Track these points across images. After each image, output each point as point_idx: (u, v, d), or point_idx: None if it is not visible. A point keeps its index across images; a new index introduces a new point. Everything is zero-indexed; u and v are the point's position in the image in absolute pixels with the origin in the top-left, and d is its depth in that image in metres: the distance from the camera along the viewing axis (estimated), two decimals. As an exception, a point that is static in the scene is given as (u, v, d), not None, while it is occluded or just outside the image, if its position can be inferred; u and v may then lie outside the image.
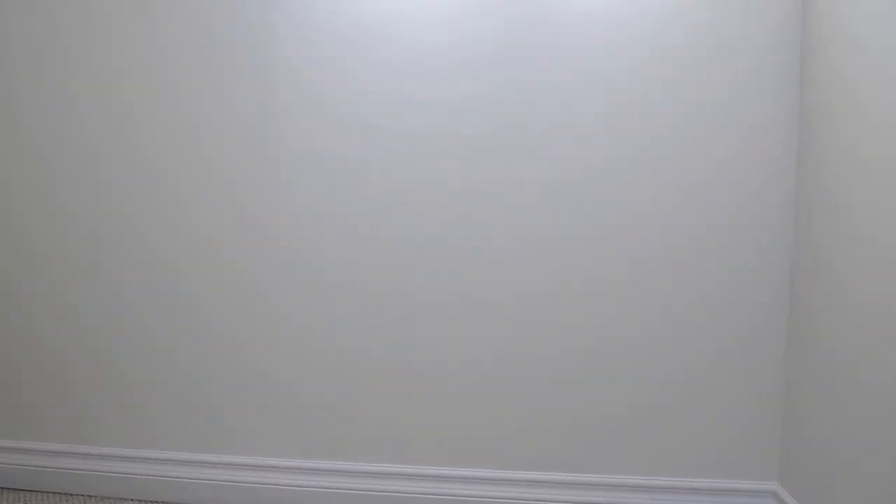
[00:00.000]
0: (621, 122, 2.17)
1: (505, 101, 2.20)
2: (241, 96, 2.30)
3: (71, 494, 2.44)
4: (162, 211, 2.36)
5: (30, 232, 2.44)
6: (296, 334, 2.33)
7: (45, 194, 2.42)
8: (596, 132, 2.18)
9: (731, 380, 2.19)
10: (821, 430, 1.91)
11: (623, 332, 2.21)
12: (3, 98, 2.43)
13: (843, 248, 1.82)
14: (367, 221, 2.27)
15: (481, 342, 2.25)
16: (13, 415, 2.50)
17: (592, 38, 2.16)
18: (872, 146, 1.68)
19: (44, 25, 2.39)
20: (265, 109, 2.30)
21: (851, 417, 1.75)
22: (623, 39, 2.15)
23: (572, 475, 2.24)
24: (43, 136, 2.41)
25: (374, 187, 2.26)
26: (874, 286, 1.65)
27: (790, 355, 2.14)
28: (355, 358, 2.31)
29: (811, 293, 2.00)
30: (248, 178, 2.32)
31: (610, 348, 2.21)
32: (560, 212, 2.20)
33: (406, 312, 2.27)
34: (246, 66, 2.30)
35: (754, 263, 2.16)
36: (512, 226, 2.22)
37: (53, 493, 2.45)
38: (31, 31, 2.40)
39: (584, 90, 2.17)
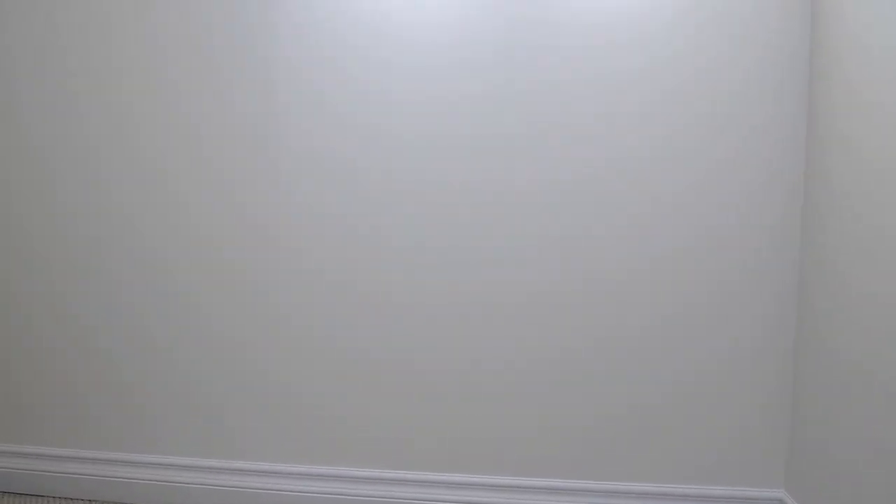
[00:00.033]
0: (625, 122, 2.16)
1: (506, 101, 2.20)
2: (241, 96, 2.30)
3: (71, 499, 2.43)
4: (162, 211, 2.36)
5: (30, 232, 2.44)
6: (296, 334, 2.32)
7: (45, 194, 2.42)
8: (598, 132, 2.17)
9: (738, 384, 2.17)
10: (829, 436, 1.87)
11: (626, 334, 2.20)
12: (3, 98, 2.43)
13: (850, 249, 1.79)
14: (366, 221, 2.27)
15: (483, 343, 2.25)
16: (13, 418, 2.49)
17: (593, 38, 2.16)
18: (879, 145, 1.66)
19: (44, 25, 2.39)
20: (265, 109, 2.29)
21: (861, 423, 1.71)
22: (626, 38, 2.15)
23: (576, 482, 2.23)
24: (43, 136, 2.41)
25: (374, 187, 2.26)
26: (883, 287, 1.62)
27: (797, 358, 2.11)
28: (355, 358, 2.30)
29: (818, 294, 1.98)
30: (248, 178, 2.31)
31: (612, 351, 2.20)
32: (562, 212, 2.20)
33: (406, 313, 2.27)
34: (246, 67, 2.30)
35: (760, 264, 2.15)
36: (513, 226, 2.21)
37: (54, 497, 2.45)
38: (31, 31, 2.40)
39: (586, 90, 2.17)
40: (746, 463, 2.18)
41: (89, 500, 2.42)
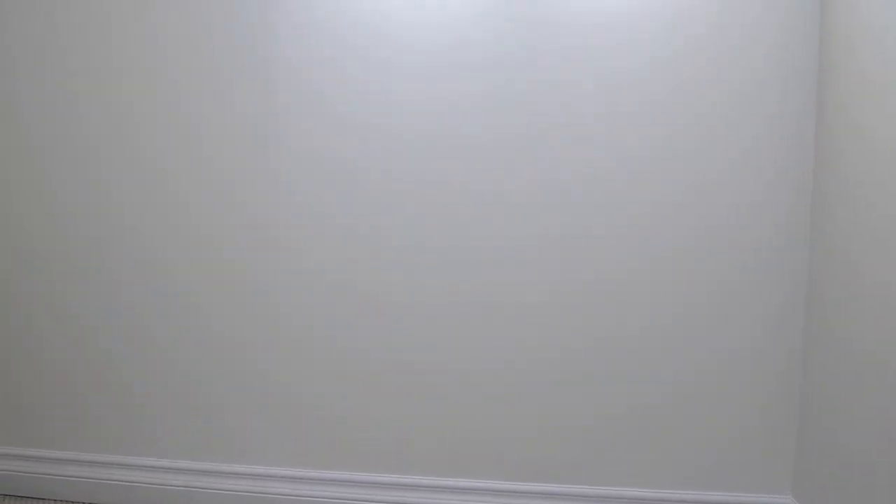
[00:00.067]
0: (627, 122, 2.15)
1: (506, 101, 2.19)
2: (241, 96, 2.30)
3: (71, 502, 2.43)
4: (162, 211, 2.36)
5: (30, 232, 2.44)
6: (296, 334, 2.32)
7: (45, 194, 2.42)
8: (599, 132, 2.17)
9: (743, 384, 2.16)
10: (839, 438, 1.81)
11: (628, 335, 2.19)
12: (3, 98, 2.43)
13: (864, 239, 1.72)
14: (366, 221, 2.27)
15: (483, 343, 2.24)
16: (13, 420, 2.49)
17: (594, 37, 2.15)
18: (893, 134, 1.61)
19: (44, 25, 2.39)
20: (265, 109, 2.29)
21: (874, 423, 1.65)
22: (627, 37, 2.14)
23: (578, 487, 2.22)
24: (43, 136, 2.41)
25: (375, 187, 2.26)
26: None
27: (806, 356, 2.07)
28: (355, 358, 2.30)
29: (829, 290, 1.92)
30: (248, 178, 2.31)
31: (614, 351, 2.20)
32: (562, 212, 2.19)
33: (406, 313, 2.27)
34: (246, 67, 2.30)
35: (766, 263, 2.13)
36: (513, 226, 2.21)
37: (53, 500, 2.44)
38: (31, 31, 2.40)
39: (587, 90, 2.16)
40: (752, 466, 2.16)
41: None
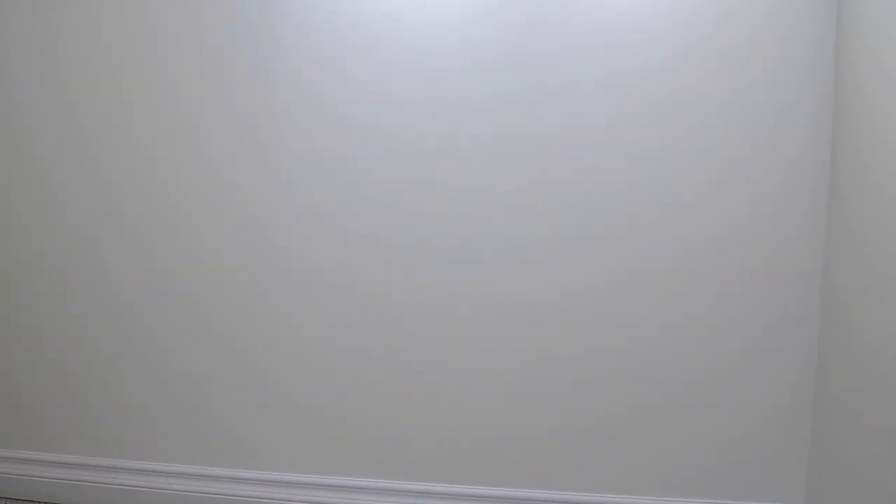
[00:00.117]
0: (634, 122, 2.14)
1: (507, 101, 2.19)
2: (241, 96, 2.30)
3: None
4: (162, 211, 2.36)
5: (30, 232, 2.44)
6: (295, 334, 2.32)
7: (45, 194, 2.42)
8: (604, 133, 2.16)
9: (756, 391, 2.13)
10: (854, 447, 1.74)
11: (639, 336, 2.18)
12: (3, 98, 2.43)
13: (886, 236, 1.66)
14: (366, 221, 2.26)
15: (486, 343, 2.24)
16: (11, 422, 2.49)
17: (599, 37, 2.14)
18: None
19: (44, 25, 2.39)
20: (265, 109, 2.29)
21: (890, 432, 1.58)
22: (637, 38, 2.13)
23: (581, 495, 2.20)
24: (43, 135, 2.41)
25: (375, 187, 2.26)
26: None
27: (820, 364, 2.01)
28: (355, 358, 2.29)
29: (846, 293, 1.86)
30: (248, 178, 2.31)
31: (621, 354, 2.18)
32: (566, 212, 2.18)
33: (406, 313, 2.26)
34: (246, 67, 2.29)
35: (783, 263, 2.10)
36: (514, 227, 2.20)
37: (53, 503, 2.44)
38: (31, 31, 2.40)
39: (597, 90, 2.15)
40: (764, 476, 2.13)
41: None
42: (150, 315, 2.38)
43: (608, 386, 2.19)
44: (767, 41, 2.09)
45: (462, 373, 2.25)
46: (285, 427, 2.34)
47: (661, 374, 2.17)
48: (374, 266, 2.27)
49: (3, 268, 2.47)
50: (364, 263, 2.27)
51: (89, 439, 2.44)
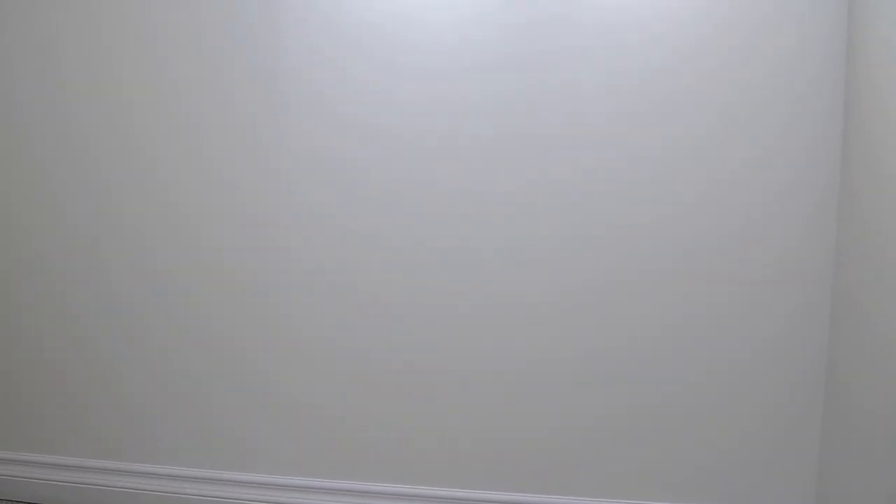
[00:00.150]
0: (638, 122, 2.13)
1: (509, 101, 2.18)
2: (242, 96, 2.30)
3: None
4: (162, 211, 2.36)
5: (30, 232, 2.44)
6: (295, 334, 2.32)
7: (44, 194, 2.42)
8: (606, 132, 2.15)
9: (764, 395, 2.10)
10: (866, 456, 1.67)
11: (643, 336, 2.16)
12: (3, 98, 2.43)
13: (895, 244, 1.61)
14: (366, 221, 2.26)
15: (486, 343, 2.23)
16: (10, 423, 2.49)
17: (599, 37, 2.14)
18: None
19: (44, 25, 2.39)
20: (265, 109, 2.29)
21: None
22: (638, 37, 2.12)
23: (582, 500, 2.19)
24: (42, 135, 2.41)
25: (375, 187, 2.25)
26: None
27: (831, 366, 1.95)
28: (355, 358, 2.29)
29: (858, 293, 1.79)
30: (248, 178, 2.31)
31: (624, 355, 2.17)
32: (567, 213, 2.18)
33: (406, 313, 2.26)
34: (246, 66, 2.29)
35: (791, 262, 2.07)
36: (515, 227, 2.20)
37: None
38: (31, 31, 2.40)
39: (597, 90, 2.14)
40: (772, 486, 2.10)
41: None
42: (150, 315, 2.38)
43: (608, 386, 2.18)
44: (775, 36, 2.06)
45: (462, 373, 2.25)
46: (285, 427, 2.34)
47: (663, 374, 2.16)
48: (374, 266, 2.27)
49: (3, 268, 2.47)
50: (364, 263, 2.27)
51: (89, 440, 2.44)
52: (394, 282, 2.26)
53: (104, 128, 2.38)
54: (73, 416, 2.44)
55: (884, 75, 1.75)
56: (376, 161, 2.25)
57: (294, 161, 2.29)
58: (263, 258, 2.32)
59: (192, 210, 2.34)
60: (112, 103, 2.37)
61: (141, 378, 2.40)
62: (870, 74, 1.83)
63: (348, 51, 2.24)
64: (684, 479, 2.16)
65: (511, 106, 2.18)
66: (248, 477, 2.34)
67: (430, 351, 2.26)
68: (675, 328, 2.14)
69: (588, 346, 2.19)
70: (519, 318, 2.21)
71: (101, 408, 2.43)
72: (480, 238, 2.22)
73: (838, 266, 1.99)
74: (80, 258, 2.41)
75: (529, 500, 2.22)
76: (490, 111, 2.19)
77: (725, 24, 2.08)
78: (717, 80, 2.09)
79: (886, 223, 1.69)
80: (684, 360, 2.15)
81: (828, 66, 2.04)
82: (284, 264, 2.31)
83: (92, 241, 2.40)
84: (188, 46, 2.32)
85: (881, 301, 1.68)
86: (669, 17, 2.11)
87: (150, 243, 2.37)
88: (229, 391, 2.36)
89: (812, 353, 2.08)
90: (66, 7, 2.37)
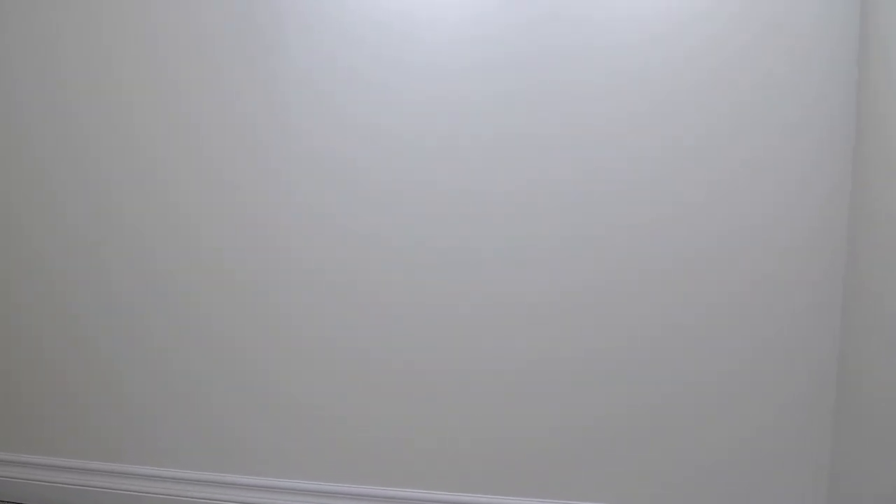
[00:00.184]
0: (640, 122, 2.12)
1: (509, 100, 2.18)
2: (242, 96, 2.30)
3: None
4: (161, 211, 2.36)
5: (30, 232, 2.44)
6: (296, 335, 2.32)
7: (44, 194, 2.42)
8: (608, 132, 2.14)
9: (773, 397, 2.07)
10: (879, 458, 1.61)
11: (637, 336, 2.15)
12: (3, 98, 2.43)
13: None
14: (366, 221, 2.26)
15: (487, 344, 2.23)
16: (10, 424, 2.49)
17: (599, 37, 2.13)
18: None
19: (44, 25, 2.39)
20: (266, 109, 2.29)
21: None
22: (638, 36, 2.12)
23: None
24: (42, 135, 2.41)
25: (375, 187, 2.25)
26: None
27: (842, 369, 1.90)
28: (355, 359, 2.29)
29: (870, 291, 1.74)
30: (248, 178, 2.31)
31: (622, 352, 2.16)
32: (567, 213, 2.17)
33: (406, 313, 2.26)
34: (246, 66, 2.29)
35: (798, 262, 2.05)
36: (515, 227, 2.20)
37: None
38: (31, 31, 2.40)
39: (597, 90, 2.13)
40: (783, 493, 2.09)
41: None
42: (150, 315, 2.38)
43: (609, 386, 2.18)
44: (782, 36, 2.04)
45: (462, 373, 2.25)
46: (285, 427, 2.33)
47: (664, 374, 2.15)
48: (374, 266, 2.27)
49: (3, 268, 2.47)
50: (364, 263, 2.27)
51: (89, 440, 2.44)
52: (394, 282, 2.26)
53: (104, 128, 2.38)
54: (73, 416, 2.44)
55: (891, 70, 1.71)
56: (376, 161, 2.25)
57: (294, 161, 2.28)
58: (263, 258, 2.32)
59: (192, 210, 2.34)
60: (112, 103, 2.37)
61: (141, 378, 2.40)
62: (886, 77, 1.78)
63: (348, 51, 2.24)
64: (686, 481, 2.15)
65: (511, 106, 2.18)
66: (249, 479, 2.34)
67: (430, 351, 2.26)
68: (676, 328, 2.14)
69: (588, 346, 2.18)
70: (519, 318, 2.21)
71: (101, 408, 2.43)
72: (480, 238, 2.21)
73: (849, 268, 1.95)
74: (80, 258, 2.41)
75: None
76: (490, 111, 2.19)
77: (730, 24, 2.07)
78: (720, 80, 2.08)
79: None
80: (686, 361, 2.14)
81: (835, 67, 2.02)
82: (284, 264, 2.31)
83: (92, 240, 2.40)
84: (188, 46, 2.32)
85: (894, 302, 1.63)
86: (670, 16, 2.10)
87: (150, 243, 2.37)
88: (229, 391, 2.36)
89: (821, 355, 2.05)
90: (66, 7, 2.38)
